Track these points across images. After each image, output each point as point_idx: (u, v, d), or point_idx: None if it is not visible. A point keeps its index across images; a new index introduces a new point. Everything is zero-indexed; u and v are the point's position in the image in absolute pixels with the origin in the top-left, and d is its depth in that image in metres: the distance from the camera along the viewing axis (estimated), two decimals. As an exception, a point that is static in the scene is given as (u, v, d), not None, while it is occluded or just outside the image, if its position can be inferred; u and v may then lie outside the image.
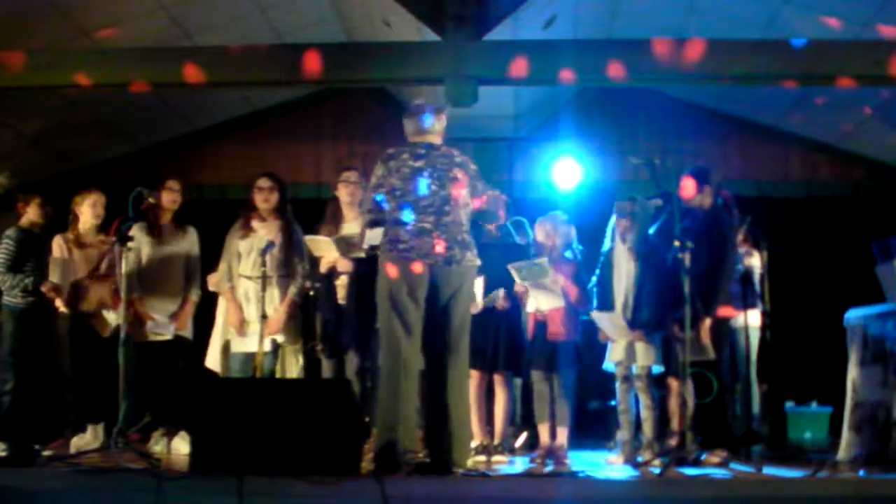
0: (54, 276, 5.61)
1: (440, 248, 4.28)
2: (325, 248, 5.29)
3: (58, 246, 5.76)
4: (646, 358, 5.26)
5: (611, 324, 5.34)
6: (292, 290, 5.50)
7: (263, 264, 5.27)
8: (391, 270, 4.29)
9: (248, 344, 5.45)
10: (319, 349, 5.44)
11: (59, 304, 5.63)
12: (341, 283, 5.35)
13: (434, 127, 4.54)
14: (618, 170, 8.00)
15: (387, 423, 4.20)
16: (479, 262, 4.48)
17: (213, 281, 5.75)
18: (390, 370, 4.27)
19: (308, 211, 6.01)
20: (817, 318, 7.15)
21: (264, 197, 5.55)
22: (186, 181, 6.12)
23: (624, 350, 5.30)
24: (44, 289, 5.60)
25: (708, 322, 5.03)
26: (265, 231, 5.54)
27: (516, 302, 5.53)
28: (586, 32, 7.08)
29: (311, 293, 5.55)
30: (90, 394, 5.57)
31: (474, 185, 4.52)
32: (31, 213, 5.90)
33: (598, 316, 5.39)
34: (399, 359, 4.24)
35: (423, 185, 4.35)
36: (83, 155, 8.12)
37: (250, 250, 5.52)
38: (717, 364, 5.11)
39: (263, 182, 5.59)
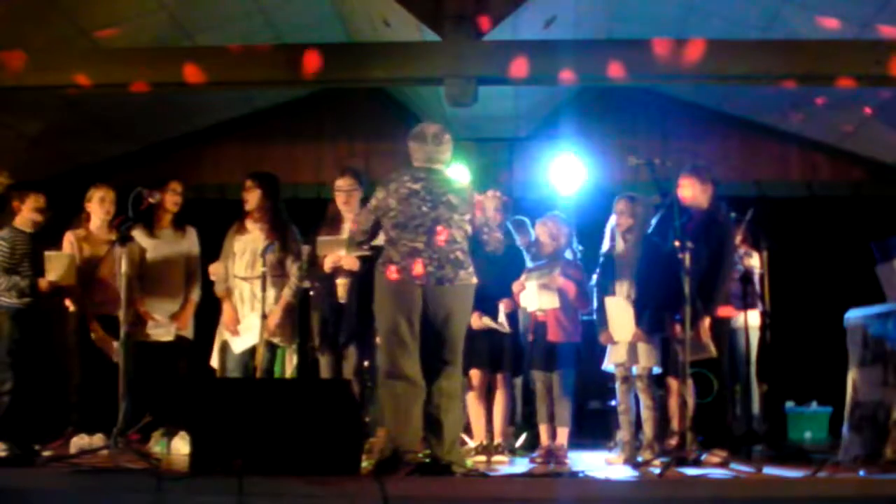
0: (52, 274, 5.52)
1: (420, 268, 4.29)
2: (335, 248, 5.30)
3: (69, 243, 5.70)
4: (648, 359, 5.26)
5: (620, 310, 5.31)
6: (287, 291, 5.50)
7: (264, 265, 5.28)
8: (388, 290, 4.33)
9: (243, 344, 5.46)
10: (313, 346, 5.44)
11: (69, 303, 5.59)
12: (342, 281, 5.35)
13: (443, 156, 4.54)
14: (618, 170, 7.98)
15: (391, 439, 4.25)
16: (475, 280, 4.45)
17: (213, 269, 5.73)
18: (393, 393, 4.31)
19: (308, 211, 6.00)
20: (817, 318, 7.14)
21: (245, 197, 5.61)
22: (186, 181, 6.12)
23: (626, 352, 5.30)
24: (41, 287, 5.58)
25: (707, 321, 5.02)
26: (258, 232, 5.55)
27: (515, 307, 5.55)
28: (586, 32, 7.07)
29: (312, 293, 5.54)
30: (95, 395, 5.55)
31: (471, 209, 4.47)
32: (26, 212, 5.85)
33: (609, 301, 5.38)
34: (403, 380, 4.29)
35: (415, 206, 4.35)
36: (83, 155, 8.11)
37: (244, 251, 5.54)
38: (717, 364, 5.11)
39: (246, 182, 5.65)
